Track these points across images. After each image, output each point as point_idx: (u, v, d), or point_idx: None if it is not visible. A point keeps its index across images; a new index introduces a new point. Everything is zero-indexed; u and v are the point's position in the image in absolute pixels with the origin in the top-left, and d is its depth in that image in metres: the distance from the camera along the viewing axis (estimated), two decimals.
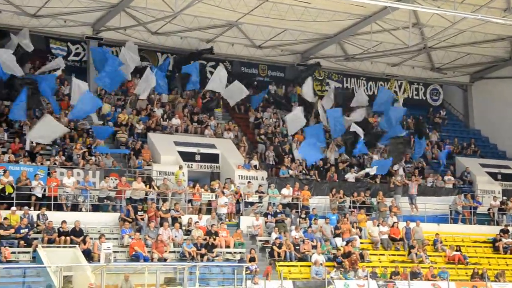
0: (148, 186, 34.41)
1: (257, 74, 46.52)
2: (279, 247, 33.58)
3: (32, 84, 34.36)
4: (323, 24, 41.79)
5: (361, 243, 36.14)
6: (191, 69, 39.95)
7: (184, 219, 33.83)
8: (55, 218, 30.76)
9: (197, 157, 38.37)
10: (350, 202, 38.61)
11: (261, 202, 36.89)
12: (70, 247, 29.83)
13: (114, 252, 29.84)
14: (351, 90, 47.53)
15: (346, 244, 35.11)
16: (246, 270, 30.58)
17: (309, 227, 35.64)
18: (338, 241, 35.54)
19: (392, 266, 35.06)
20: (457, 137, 48.86)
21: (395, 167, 41.68)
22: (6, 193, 31.24)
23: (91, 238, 30.47)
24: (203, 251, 32.03)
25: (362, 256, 34.84)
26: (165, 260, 31.13)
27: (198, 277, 29.56)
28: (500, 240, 39.26)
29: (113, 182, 33.97)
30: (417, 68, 49.71)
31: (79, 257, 29.29)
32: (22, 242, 29.27)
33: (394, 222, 37.66)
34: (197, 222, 33.62)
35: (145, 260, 30.41)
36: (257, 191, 37.05)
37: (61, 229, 30.22)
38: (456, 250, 37.41)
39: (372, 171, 39.73)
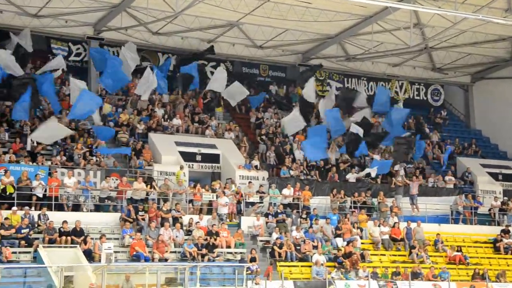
0: (149, 186, 34.42)
1: (258, 74, 46.56)
2: (280, 247, 33.59)
3: (31, 83, 34.31)
4: (324, 24, 41.79)
5: (362, 243, 36.14)
6: (191, 70, 39.89)
7: (185, 219, 33.85)
8: (56, 218, 30.77)
9: (198, 157, 38.37)
10: (351, 202, 38.60)
11: (262, 202, 36.90)
12: (71, 247, 29.84)
13: (115, 252, 29.85)
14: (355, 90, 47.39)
15: (347, 244, 35.11)
16: (247, 270, 30.56)
17: (310, 227, 35.64)
18: (339, 241, 35.53)
19: (393, 267, 35.05)
20: (458, 138, 48.87)
21: (396, 167, 41.65)
22: (7, 193, 31.27)
23: (92, 238, 30.48)
24: (204, 251, 32.04)
25: (363, 257, 34.84)
26: (166, 260, 31.13)
27: (199, 277, 29.54)
28: (501, 240, 39.25)
29: (114, 182, 33.97)
30: (418, 68, 49.70)
31: (80, 257, 29.29)
32: (23, 242, 29.28)
33: (395, 223, 37.67)
34: (198, 222, 33.63)
35: (146, 260, 30.41)
36: (258, 191, 37.07)
37: (62, 229, 30.23)
38: (457, 251, 37.41)
39: (372, 171, 39.71)
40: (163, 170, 36.23)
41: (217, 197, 35.50)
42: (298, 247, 34.14)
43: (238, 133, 41.45)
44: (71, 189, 32.67)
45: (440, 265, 36.03)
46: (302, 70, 45.14)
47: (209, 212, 35.21)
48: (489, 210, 41.97)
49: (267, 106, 44.17)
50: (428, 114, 50.01)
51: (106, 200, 33.57)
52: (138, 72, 39.83)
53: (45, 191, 32.17)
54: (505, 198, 43.11)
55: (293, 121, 40.49)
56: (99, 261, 28.93)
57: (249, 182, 37.17)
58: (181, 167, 36.26)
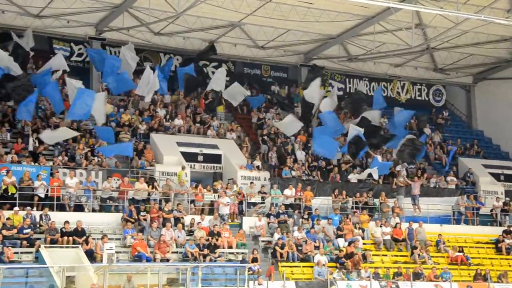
0: (150, 186, 34.41)
1: (260, 74, 46.55)
2: (282, 248, 33.58)
3: (26, 83, 34.18)
4: (326, 25, 41.78)
5: (363, 243, 36.14)
6: (190, 71, 39.84)
7: (187, 219, 33.87)
8: (57, 218, 30.81)
9: (200, 158, 38.37)
10: (353, 203, 38.60)
11: (263, 203, 36.89)
12: (72, 247, 29.85)
13: (117, 252, 29.82)
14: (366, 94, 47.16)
15: (349, 245, 35.11)
16: (248, 271, 30.57)
17: (311, 227, 35.62)
18: (341, 242, 35.54)
19: (394, 267, 35.06)
20: (460, 138, 48.83)
21: (398, 168, 41.63)
22: (9, 194, 31.29)
23: (93, 239, 30.50)
24: (206, 251, 32.04)
25: (364, 257, 34.82)
26: (167, 260, 31.13)
27: (200, 278, 29.59)
28: (503, 241, 39.23)
29: (116, 182, 33.99)
30: (420, 68, 49.67)
31: (82, 257, 29.31)
32: (25, 242, 29.31)
33: (397, 223, 37.67)
34: (199, 222, 33.63)
35: (148, 260, 30.43)
36: (259, 192, 37.07)
37: (63, 229, 30.25)
38: (459, 251, 37.39)
39: (374, 172, 39.63)
40: (165, 171, 36.24)
41: (218, 198, 35.49)
42: (300, 248, 34.14)
43: (240, 134, 41.43)
44: (73, 190, 32.68)
45: (442, 266, 36.02)
46: (309, 76, 44.51)
47: (211, 212, 35.22)
48: (491, 210, 41.95)
49: (269, 107, 44.15)
50: (430, 115, 49.97)
51: (108, 201, 33.59)
52: (139, 73, 39.80)
53: (47, 191, 32.20)
54: (507, 198, 43.07)
55: (289, 124, 40.30)
56: (101, 261, 28.90)
57: (251, 183, 37.16)
58: (183, 168, 36.27)
